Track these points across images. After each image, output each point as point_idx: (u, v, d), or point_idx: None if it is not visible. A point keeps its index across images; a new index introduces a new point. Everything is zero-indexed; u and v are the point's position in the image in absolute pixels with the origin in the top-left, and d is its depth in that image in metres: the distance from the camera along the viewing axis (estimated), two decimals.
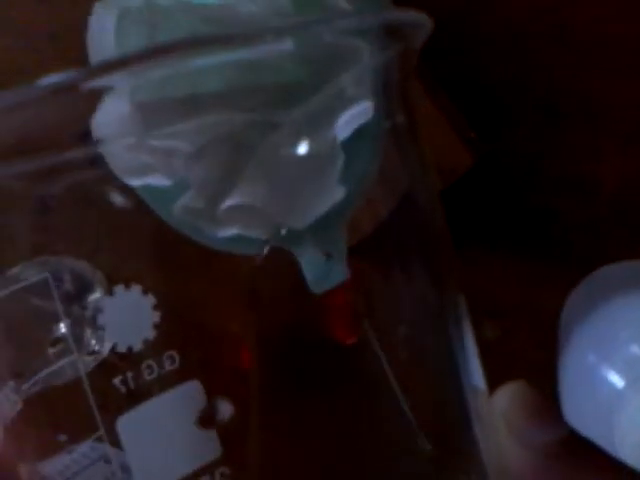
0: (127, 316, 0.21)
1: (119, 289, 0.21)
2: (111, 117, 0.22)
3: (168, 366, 0.21)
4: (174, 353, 0.21)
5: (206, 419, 0.22)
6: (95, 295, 0.22)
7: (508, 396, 0.23)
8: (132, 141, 0.21)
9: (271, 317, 0.24)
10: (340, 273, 0.25)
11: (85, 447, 0.21)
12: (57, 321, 0.22)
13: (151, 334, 0.21)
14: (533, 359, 0.47)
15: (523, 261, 0.49)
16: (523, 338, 0.48)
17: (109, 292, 0.21)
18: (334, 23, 0.21)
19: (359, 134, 0.24)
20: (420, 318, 0.26)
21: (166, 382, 0.21)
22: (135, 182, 0.22)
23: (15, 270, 0.22)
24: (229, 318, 0.24)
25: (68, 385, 0.21)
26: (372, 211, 0.26)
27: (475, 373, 0.24)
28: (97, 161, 0.21)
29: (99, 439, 0.21)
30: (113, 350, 0.21)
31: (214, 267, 0.25)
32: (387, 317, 0.26)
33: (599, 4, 0.47)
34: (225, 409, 0.22)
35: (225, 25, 0.26)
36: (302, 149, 0.23)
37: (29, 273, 0.22)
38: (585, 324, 0.41)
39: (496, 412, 0.23)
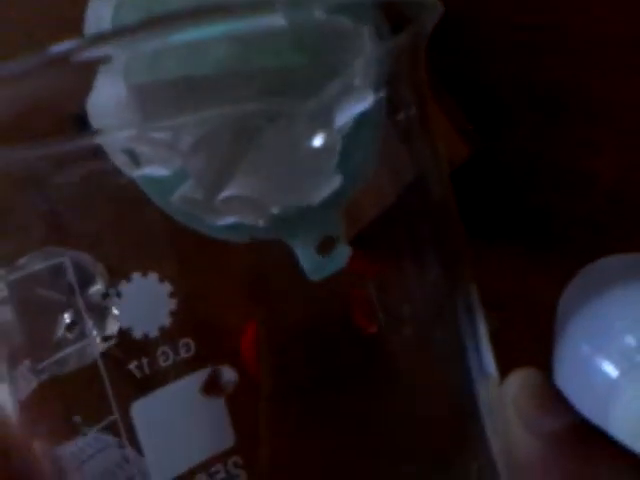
0: (143, 302, 0.21)
1: (136, 275, 0.21)
2: (107, 102, 0.22)
3: (184, 353, 0.21)
4: (189, 341, 0.21)
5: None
6: (96, 287, 0.22)
7: (518, 383, 0.23)
8: (132, 133, 0.21)
9: (286, 308, 0.25)
10: (336, 262, 0.25)
11: (99, 432, 0.21)
12: (62, 312, 0.22)
13: (167, 321, 0.21)
14: (531, 350, 0.47)
15: (520, 254, 0.49)
16: (521, 330, 0.49)
17: (125, 277, 0.21)
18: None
19: (359, 121, 0.24)
20: (431, 306, 0.26)
21: (181, 369, 0.21)
22: (133, 172, 0.22)
23: (22, 261, 0.22)
24: (241, 309, 0.24)
25: (83, 368, 0.21)
26: (376, 197, 0.26)
27: (487, 360, 0.25)
28: (99, 152, 0.21)
29: (113, 423, 0.21)
30: (129, 334, 0.21)
31: (223, 257, 0.25)
32: (397, 305, 0.26)
33: (598, 4, 0.47)
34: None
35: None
36: (303, 139, 0.23)
37: (35, 264, 0.22)
38: (580, 315, 0.41)
39: (506, 399, 0.23)
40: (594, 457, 0.22)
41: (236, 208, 0.24)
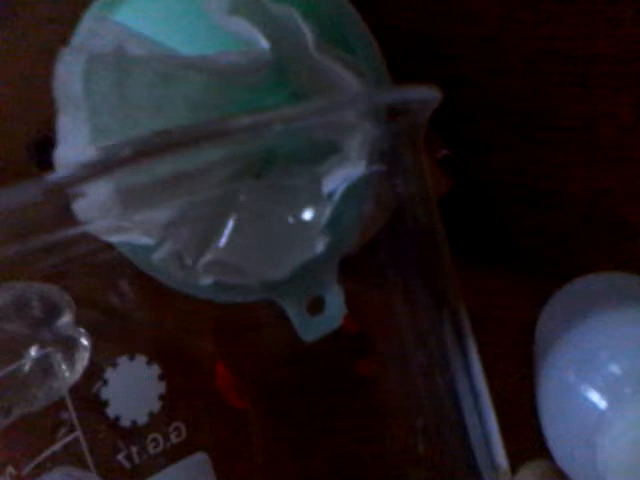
0: (131, 388, 0.20)
1: (122, 360, 0.20)
2: (92, 202, 0.21)
3: (174, 438, 0.20)
4: (180, 425, 0.20)
5: None
6: (64, 319, 0.21)
7: (529, 476, 0.23)
8: (113, 223, 0.20)
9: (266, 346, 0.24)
10: (332, 318, 0.24)
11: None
12: (27, 346, 0.21)
13: (157, 406, 0.20)
14: (504, 371, 0.47)
15: (494, 274, 0.49)
16: (494, 351, 0.48)
17: (111, 363, 0.20)
18: (335, 109, 0.20)
19: (348, 189, 0.23)
20: (417, 337, 0.25)
21: (173, 455, 0.20)
22: (113, 239, 0.21)
23: None
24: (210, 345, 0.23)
25: (73, 461, 0.20)
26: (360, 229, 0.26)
27: (497, 451, 0.24)
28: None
29: None
30: (116, 423, 0.20)
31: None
32: (382, 337, 0.25)
33: (563, 26, 0.46)
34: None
35: (201, 74, 0.25)
36: (291, 211, 0.23)
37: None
38: (563, 340, 0.41)
39: None
40: None
41: (217, 271, 0.23)
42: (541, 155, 0.48)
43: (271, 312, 0.24)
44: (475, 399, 0.26)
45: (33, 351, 0.21)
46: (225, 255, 0.22)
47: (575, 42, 0.47)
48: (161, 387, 0.20)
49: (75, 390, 0.20)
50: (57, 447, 0.20)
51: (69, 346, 0.21)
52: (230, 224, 0.22)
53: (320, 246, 0.23)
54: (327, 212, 0.22)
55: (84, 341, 0.21)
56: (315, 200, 0.22)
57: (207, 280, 0.23)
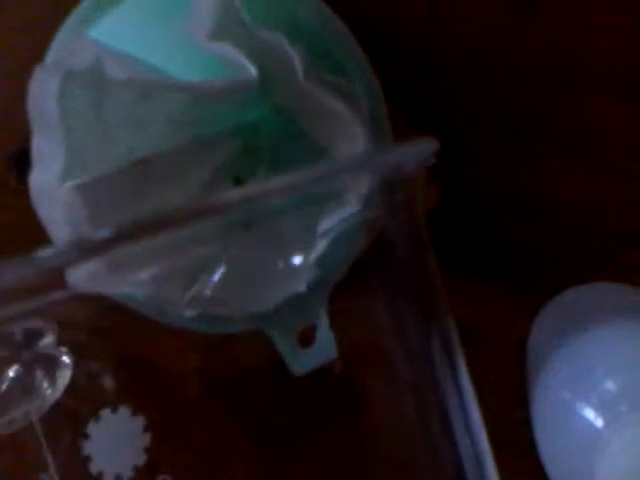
0: (115, 442, 0.19)
1: (105, 413, 0.19)
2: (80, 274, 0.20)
3: None
4: (167, 478, 0.19)
5: None
6: (46, 340, 0.20)
7: None
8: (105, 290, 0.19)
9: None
10: (324, 350, 0.23)
11: None
12: (7, 365, 0.20)
13: (142, 459, 0.19)
14: (497, 383, 0.46)
15: (487, 287, 0.48)
16: (486, 364, 0.48)
17: (94, 416, 0.19)
18: (333, 176, 0.19)
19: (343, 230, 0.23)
20: (407, 355, 0.25)
21: None
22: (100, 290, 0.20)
23: None
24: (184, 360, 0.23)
25: None
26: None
27: (489, 473, 0.23)
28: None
29: None
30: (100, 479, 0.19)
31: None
32: (369, 351, 0.25)
33: (557, 32, 0.46)
34: None
35: (183, 94, 0.24)
36: (276, 257, 0.22)
37: None
38: (557, 357, 0.40)
39: None
40: None
41: (203, 306, 0.22)
42: (532, 166, 0.47)
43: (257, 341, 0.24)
44: (465, 417, 0.25)
45: (11, 371, 0.20)
46: (209, 290, 0.22)
47: (566, 50, 0.46)
48: (146, 439, 0.19)
49: (56, 446, 0.19)
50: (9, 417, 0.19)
51: (50, 364, 0.20)
52: (216, 267, 0.22)
53: (306, 282, 0.23)
54: (318, 251, 0.22)
55: (66, 359, 0.20)
56: (307, 243, 0.21)
57: (191, 313, 0.22)
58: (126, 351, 0.21)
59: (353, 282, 0.24)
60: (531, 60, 0.47)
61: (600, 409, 0.37)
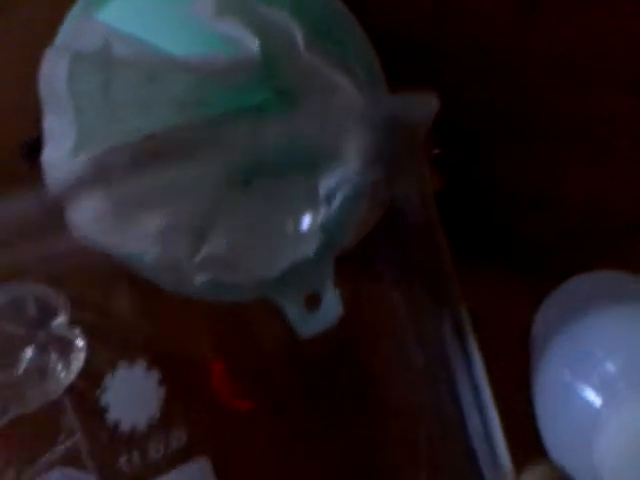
0: (131, 394, 0.20)
1: (122, 365, 0.20)
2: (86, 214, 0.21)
3: (175, 443, 0.20)
4: (181, 429, 0.20)
5: None
6: (59, 320, 0.21)
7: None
8: (112, 240, 0.20)
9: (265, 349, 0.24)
10: (329, 313, 0.24)
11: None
12: (24, 347, 0.21)
13: (157, 411, 0.20)
14: (505, 370, 0.47)
15: (493, 275, 0.49)
16: (495, 350, 0.48)
17: (111, 368, 0.20)
18: (327, 122, 0.20)
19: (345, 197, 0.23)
20: (417, 338, 0.25)
21: (174, 460, 0.20)
22: (110, 251, 0.21)
23: None
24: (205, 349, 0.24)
25: (72, 464, 0.20)
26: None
27: (499, 451, 0.24)
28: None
29: None
30: (117, 429, 0.20)
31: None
32: (380, 335, 0.25)
33: (563, 28, 0.47)
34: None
35: (187, 74, 0.25)
36: (280, 217, 0.23)
37: None
38: (559, 339, 0.41)
39: None
40: None
41: (213, 268, 0.23)
42: (537, 156, 0.48)
43: (267, 309, 0.24)
44: (476, 398, 0.26)
45: (28, 352, 0.21)
46: (219, 251, 0.22)
47: (570, 44, 0.47)
48: (161, 392, 0.20)
49: (74, 396, 0.20)
50: (57, 452, 0.20)
51: (64, 347, 0.21)
52: (223, 229, 0.22)
53: (313, 246, 0.23)
54: (322, 215, 0.22)
55: (79, 342, 0.21)
56: (311, 205, 0.22)
57: (201, 279, 0.23)
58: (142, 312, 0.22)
59: (365, 265, 0.25)
60: (536, 53, 0.47)
61: (599, 389, 0.37)
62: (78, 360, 0.21)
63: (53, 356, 0.21)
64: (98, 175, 0.17)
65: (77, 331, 0.21)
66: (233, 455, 0.22)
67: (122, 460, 0.20)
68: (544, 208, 0.47)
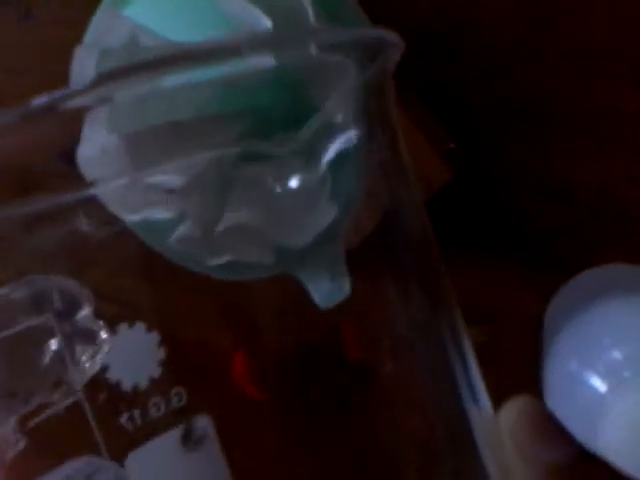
0: (131, 354, 0.21)
1: (123, 327, 0.21)
2: (97, 154, 0.22)
3: (175, 403, 0.21)
4: (181, 389, 0.21)
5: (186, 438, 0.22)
6: (84, 312, 0.22)
7: (514, 412, 0.23)
8: (125, 181, 0.21)
9: (277, 337, 0.25)
10: (344, 289, 0.25)
11: (80, 462, 0.21)
12: (48, 339, 0.22)
13: (157, 372, 0.21)
14: (519, 363, 0.47)
15: (502, 267, 0.49)
16: (509, 343, 0.49)
17: (112, 329, 0.21)
18: (314, 37, 0.21)
19: (343, 157, 0.24)
20: (415, 333, 0.26)
21: (174, 418, 0.21)
22: (133, 218, 0.22)
23: (3, 291, 0.22)
24: (228, 339, 0.24)
25: (73, 422, 0.21)
26: (357, 224, 0.26)
27: (479, 393, 0.25)
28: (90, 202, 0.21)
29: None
30: (118, 387, 0.21)
31: (210, 286, 0.25)
32: (381, 333, 0.26)
33: (577, 18, 0.47)
34: (203, 425, 0.22)
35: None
36: (290, 179, 0.24)
37: (18, 293, 0.21)
38: (568, 330, 0.41)
39: (503, 429, 0.23)
40: None
41: (235, 243, 0.24)
42: (547, 149, 0.48)
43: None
44: (472, 389, 0.26)
45: (53, 344, 0.22)
46: (242, 220, 0.23)
47: (586, 37, 0.48)
48: (161, 353, 0.21)
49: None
50: (59, 407, 0.21)
51: (89, 339, 0.22)
52: (237, 193, 0.23)
53: (331, 214, 0.24)
54: (327, 177, 0.23)
55: (103, 334, 0.22)
56: (313, 167, 0.23)
57: (224, 257, 0.24)
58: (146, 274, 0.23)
59: (363, 266, 0.26)
60: (548, 48, 0.48)
61: (605, 376, 0.38)
62: (102, 352, 0.22)
63: (78, 348, 0.22)
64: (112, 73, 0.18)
65: (101, 323, 0.21)
66: (235, 415, 0.23)
67: (124, 418, 0.21)
68: (554, 202, 0.48)
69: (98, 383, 0.21)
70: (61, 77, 0.27)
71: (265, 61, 0.23)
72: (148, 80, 0.20)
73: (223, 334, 0.24)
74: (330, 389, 0.25)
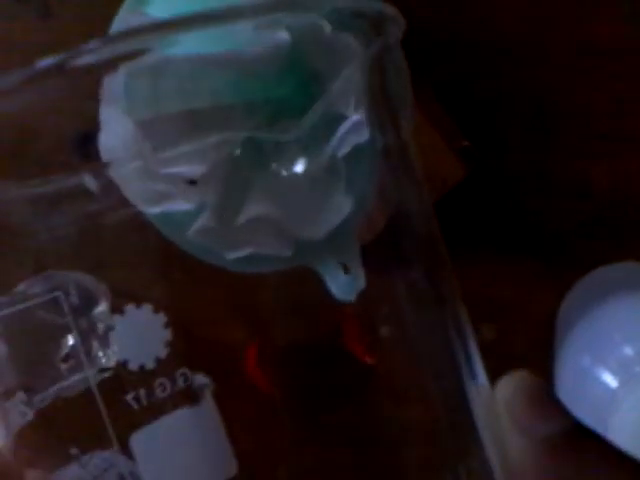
0: (138, 335, 0.21)
1: (130, 308, 0.21)
2: (114, 139, 0.22)
3: (181, 383, 0.21)
4: (187, 371, 0.22)
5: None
6: (100, 308, 0.22)
7: (511, 386, 0.23)
8: (139, 164, 0.22)
9: (285, 331, 0.25)
10: (360, 282, 0.25)
11: (97, 458, 0.21)
12: (65, 335, 0.22)
13: (163, 352, 0.21)
14: (528, 360, 0.48)
15: (516, 263, 0.49)
16: (518, 340, 0.49)
17: (119, 310, 0.21)
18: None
19: (357, 151, 0.24)
20: (421, 330, 0.26)
21: (179, 399, 0.22)
22: (154, 210, 0.22)
23: (21, 287, 0.22)
24: (240, 331, 0.25)
25: (81, 399, 0.22)
26: (369, 220, 0.27)
27: (479, 374, 0.25)
28: (105, 189, 0.21)
29: (112, 454, 0.21)
30: (125, 367, 0.21)
31: (223, 279, 0.25)
32: (389, 326, 0.26)
33: (587, 19, 0.47)
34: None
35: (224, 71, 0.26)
36: (302, 166, 0.24)
37: (35, 289, 0.22)
38: (580, 327, 0.41)
39: (499, 404, 0.23)
40: (589, 462, 0.21)
41: (255, 235, 0.24)
42: (562, 147, 0.48)
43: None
44: (477, 384, 0.26)
45: (70, 339, 0.22)
46: (263, 211, 0.24)
47: (593, 37, 0.48)
48: (167, 334, 0.21)
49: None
50: (66, 382, 0.21)
51: (105, 335, 0.22)
52: (259, 183, 0.23)
53: (347, 207, 0.24)
54: (342, 171, 0.23)
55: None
56: (319, 154, 0.23)
57: (244, 250, 0.24)
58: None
59: (375, 263, 0.26)
60: (555, 46, 0.48)
61: (617, 372, 0.38)
62: (117, 346, 0.22)
63: (95, 343, 0.22)
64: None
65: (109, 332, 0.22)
66: (237, 392, 0.23)
67: (130, 396, 0.21)
68: (568, 200, 0.48)
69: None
70: None
71: (280, 37, 0.24)
72: (159, 39, 0.20)
73: (233, 323, 0.25)
74: (333, 382, 0.25)
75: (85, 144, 0.29)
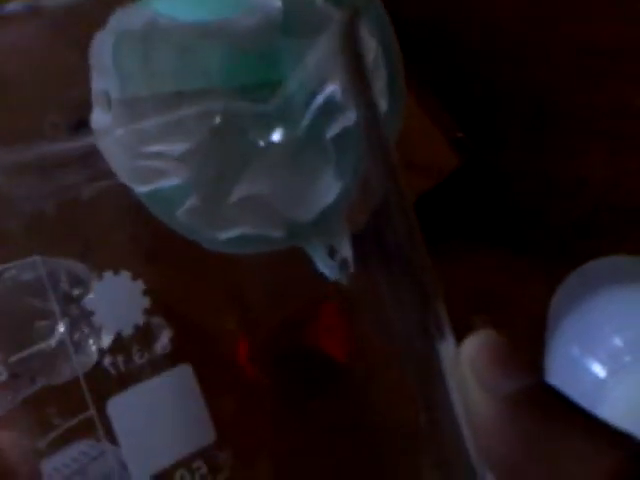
0: (116, 301, 0.21)
1: (108, 274, 0.21)
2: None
3: (159, 351, 0.22)
4: (165, 338, 0.22)
5: None
6: (91, 296, 0.22)
7: (475, 344, 0.23)
8: (121, 132, 0.22)
9: (266, 316, 0.25)
10: (348, 262, 0.25)
11: (84, 445, 0.21)
12: (56, 320, 0.22)
13: (141, 320, 0.21)
14: (526, 350, 0.48)
15: (509, 258, 0.49)
16: (513, 332, 0.49)
17: (98, 277, 0.21)
18: None
19: (344, 134, 0.24)
20: (402, 325, 0.26)
21: (157, 366, 0.22)
22: (142, 189, 0.23)
23: (12, 272, 0.22)
24: (223, 314, 0.25)
25: (58, 361, 0.22)
26: (351, 215, 0.27)
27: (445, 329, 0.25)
28: (90, 157, 0.21)
29: (90, 419, 0.21)
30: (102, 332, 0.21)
31: (207, 262, 0.25)
32: (370, 326, 0.26)
33: (584, 17, 0.47)
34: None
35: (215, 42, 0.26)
36: (283, 136, 0.24)
37: (26, 274, 0.22)
38: (571, 318, 0.41)
39: (463, 360, 0.23)
40: (550, 419, 0.21)
41: (245, 215, 0.24)
42: (558, 143, 0.49)
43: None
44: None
45: (61, 326, 0.22)
46: (254, 191, 0.24)
47: (592, 36, 0.48)
48: (145, 302, 0.21)
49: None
50: (43, 345, 0.21)
51: (96, 323, 0.22)
52: (247, 161, 0.24)
53: (336, 189, 0.24)
54: (331, 153, 0.24)
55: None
56: (324, 152, 0.23)
57: (236, 230, 0.24)
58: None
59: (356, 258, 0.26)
60: (555, 46, 0.48)
61: (606, 362, 0.38)
62: (108, 335, 0.22)
63: (85, 331, 0.22)
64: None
65: (87, 298, 0.22)
66: (217, 364, 0.23)
67: (107, 362, 0.21)
68: (563, 195, 0.48)
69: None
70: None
71: (271, 4, 0.24)
72: None
73: (216, 302, 0.25)
74: (311, 373, 0.25)
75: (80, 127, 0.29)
